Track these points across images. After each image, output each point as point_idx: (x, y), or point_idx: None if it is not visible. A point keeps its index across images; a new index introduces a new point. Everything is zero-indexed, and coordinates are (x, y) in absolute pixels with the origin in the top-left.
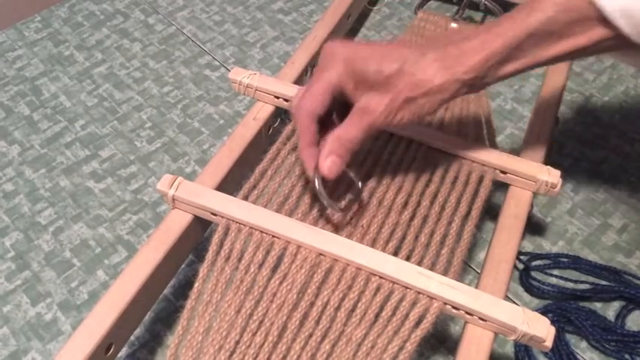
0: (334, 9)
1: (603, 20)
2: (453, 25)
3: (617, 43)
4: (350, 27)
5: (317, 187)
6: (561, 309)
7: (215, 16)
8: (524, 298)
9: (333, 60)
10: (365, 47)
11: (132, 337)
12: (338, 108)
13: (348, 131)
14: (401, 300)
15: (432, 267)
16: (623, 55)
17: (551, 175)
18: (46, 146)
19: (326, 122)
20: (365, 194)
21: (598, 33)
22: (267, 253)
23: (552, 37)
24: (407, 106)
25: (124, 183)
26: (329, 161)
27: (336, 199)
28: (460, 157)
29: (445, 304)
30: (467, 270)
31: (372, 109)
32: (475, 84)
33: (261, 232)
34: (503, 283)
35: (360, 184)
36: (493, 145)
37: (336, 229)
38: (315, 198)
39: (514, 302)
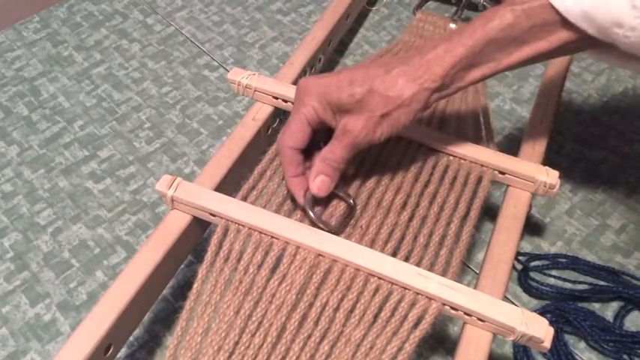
0: (333, 9)
1: (567, 24)
2: (452, 25)
3: (583, 44)
4: (349, 27)
5: (309, 211)
6: (560, 309)
7: (214, 16)
8: (522, 298)
9: (307, 96)
10: (334, 77)
11: (131, 338)
12: (323, 134)
13: (333, 151)
14: (400, 301)
15: (430, 267)
16: (599, 54)
17: (550, 176)
18: (44, 147)
19: (312, 150)
20: (363, 195)
21: (562, 36)
22: (266, 253)
23: (515, 42)
24: (384, 121)
25: (122, 183)
26: (318, 180)
27: (328, 219)
28: (459, 157)
29: (444, 304)
30: (465, 270)
31: (351, 129)
32: (445, 90)
33: (260, 232)
34: (502, 284)
35: (352, 201)
36: (492, 145)
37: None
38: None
39: (513, 303)
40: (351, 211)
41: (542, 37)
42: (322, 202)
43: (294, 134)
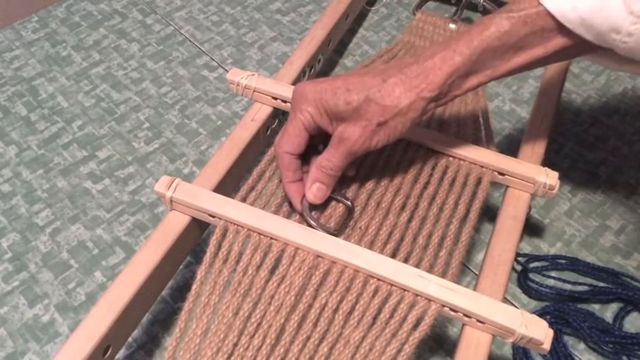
0: (332, 9)
1: (564, 30)
2: (452, 25)
3: (581, 49)
4: (348, 27)
5: (306, 216)
6: (559, 311)
7: (213, 16)
8: (522, 299)
9: (303, 101)
10: (331, 83)
11: (129, 339)
12: (321, 137)
13: (329, 159)
14: (399, 302)
15: (430, 269)
16: (597, 57)
17: (550, 177)
18: (43, 147)
19: (310, 153)
20: (363, 196)
21: (559, 42)
22: (265, 254)
23: (512, 49)
24: (380, 129)
25: (121, 184)
26: (314, 188)
27: (327, 221)
28: (458, 158)
29: (443, 306)
30: (465, 271)
31: (347, 137)
32: (442, 99)
33: (259, 233)
34: (502, 285)
35: (350, 203)
36: (491, 146)
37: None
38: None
39: (512, 304)
40: (349, 213)
41: (539, 43)
42: (320, 205)
43: (291, 139)
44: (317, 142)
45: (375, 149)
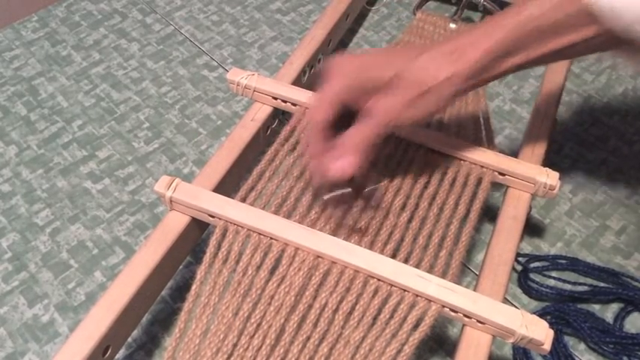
0: (332, 9)
1: (592, 18)
2: (452, 25)
3: (607, 40)
4: (348, 27)
5: (321, 196)
6: (559, 311)
7: (213, 16)
8: (522, 299)
9: (339, 73)
10: (368, 57)
11: (129, 339)
12: (348, 118)
13: (362, 131)
14: (399, 302)
15: (430, 269)
16: (621, 53)
17: (550, 177)
18: (43, 147)
19: (332, 133)
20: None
21: (590, 30)
22: (265, 255)
23: (547, 32)
24: (415, 104)
25: (121, 184)
26: (344, 161)
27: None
28: (459, 158)
29: (443, 306)
30: (465, 272)
31: (381, 109)
32: (477, 78)
33: (259, 234)
34: (502, 285)
35: (377, 186)
36: (492, 146)
37: (335, 231)
38: (313, 199)
39: (512, 304)
40: (378, 198)
41: (573, 29)
42: (336, 189)
43: (322, 108)
44: (343, 123)
45: (405, 126)
